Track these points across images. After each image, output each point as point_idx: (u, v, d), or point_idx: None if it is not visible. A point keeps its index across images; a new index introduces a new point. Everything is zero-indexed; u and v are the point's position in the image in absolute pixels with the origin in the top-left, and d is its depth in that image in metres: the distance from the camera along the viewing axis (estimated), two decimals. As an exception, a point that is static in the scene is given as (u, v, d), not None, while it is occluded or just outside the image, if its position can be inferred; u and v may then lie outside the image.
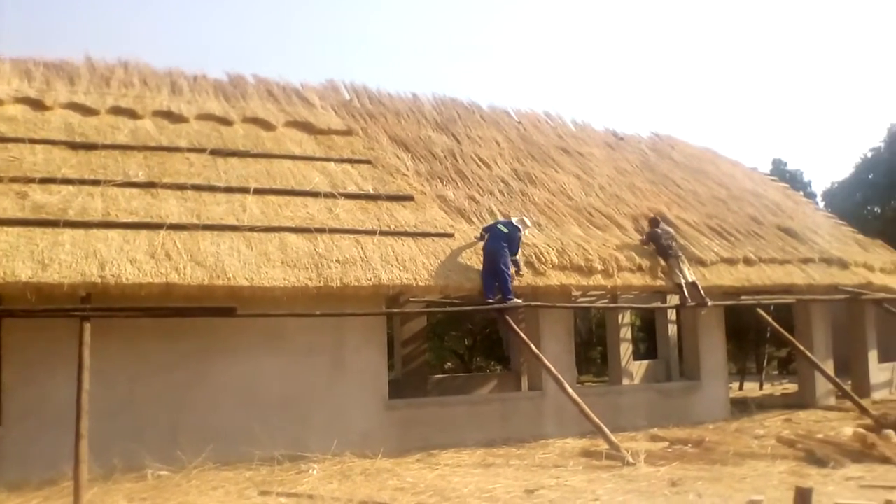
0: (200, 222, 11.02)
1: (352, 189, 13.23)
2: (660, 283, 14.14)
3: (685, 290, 13.99)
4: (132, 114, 13.74)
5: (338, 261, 11.16)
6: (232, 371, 10.77)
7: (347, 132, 15.33)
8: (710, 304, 14.25)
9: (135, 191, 11.44)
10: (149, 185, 11.65)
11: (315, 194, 12.69)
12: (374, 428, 11.32)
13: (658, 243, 14.27)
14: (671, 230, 14.88)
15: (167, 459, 9.35)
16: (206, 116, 14.38)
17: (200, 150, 13.11)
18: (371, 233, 12.01)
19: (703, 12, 73.18)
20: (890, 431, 11.40)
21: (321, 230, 11.65)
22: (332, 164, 13.90)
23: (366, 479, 9.17)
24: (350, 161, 14.24)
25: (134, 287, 9.72)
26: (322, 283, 10.78)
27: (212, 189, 12.03)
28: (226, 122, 14.43)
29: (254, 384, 10.85)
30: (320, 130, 15.09)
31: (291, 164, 13.59)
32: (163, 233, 10.54)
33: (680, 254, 14.27)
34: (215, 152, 13.17)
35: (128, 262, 9.88)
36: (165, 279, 9.89)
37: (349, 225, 12.10)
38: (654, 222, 14.85)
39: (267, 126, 14.72)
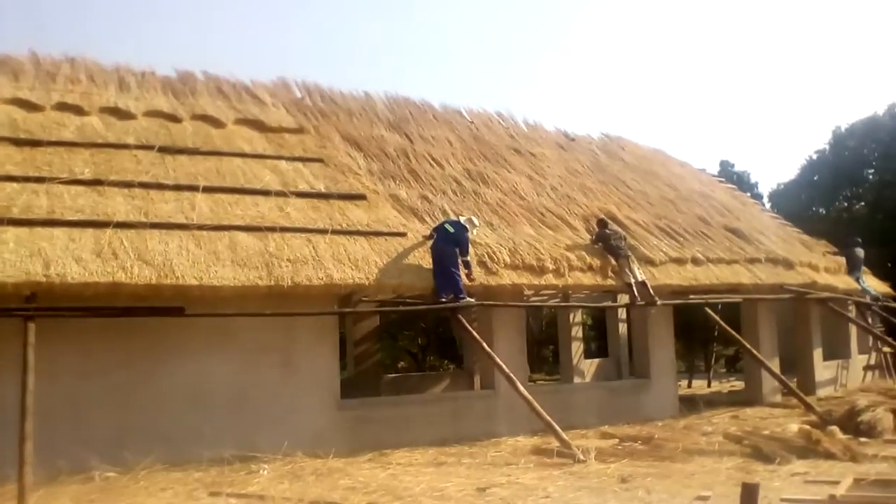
0: (148, 220, 10.82)
1: (303, 188, 13.11)
2: (610, 282, 14.30)
3: (635, 289, 14.17)
4: (78, 110, 13.45)
5: (289, 260, 11.05)
6: (181, 371, 10.58)
7: (299, 130, 15.20)
8: (659, 303, 14.44)
9: (81, 188, 11.19)
10: (95, 182, 11.40)
11: (266, 193, 12.54)
12: (325, 428, 11.23)
13: (607, 244, 14.43)
14: (620, 230, 15.05)
15: (114, 461, 9.16)
16: (154, 113, 14.13)
17: (148, 148, 12.86)
18: (323, 232, 11.92)
19: (652, 16, 74.20)
20: (834, 428, 11.63)
21: (272, 229, 11.54)
22: (283, 163, 13.77)
23: (317, 478, 9.10)
24: (302, 159, 14.13)
25: (80, 286, 9.52)
26: (273, 283, 10.67)
27: (160, 187, 11.82)
28: (174, 119, 14.19)
29: (203, 384, 10.67)
30: (271, 128, 14.94)
31: (242, 162, 13.42)
32: (109, 231, 10.33)
33: (630, 253, 14.44)
34: (164, 150, 12.94)
35: (73, 260, 9.66)
36: (112, 278, 9.68)
37: (300, 224, 11.98)
38: (602, 223, 15.02)
39: (217, 123, 14.52)
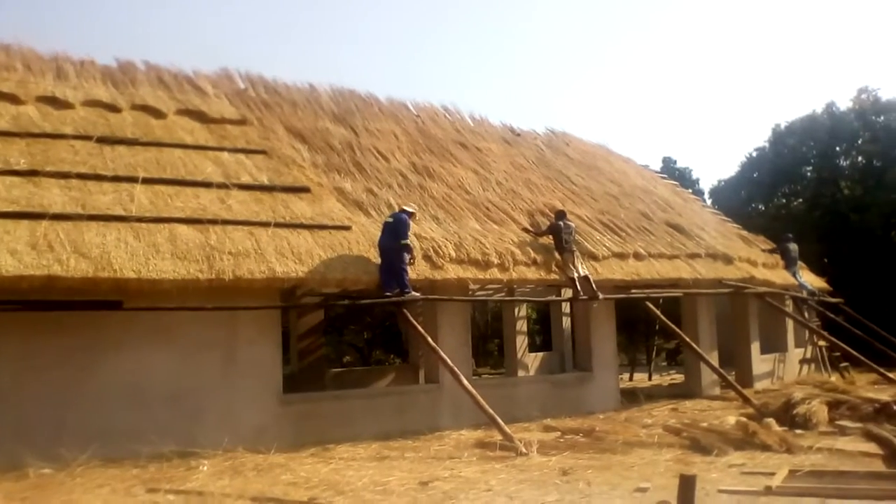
0: (85, 212, 10.61)
1: (246, 180, 12.97)
2: (554, 276, 14.43)
3: (578, 283, 14.31)
4: (14, 99, 13.12)
5: (230, 253, 10.93)
6: (119, 366, 10.38)
7: (242, 122, 15.03)
8: (601, 297, 14.60)
9: (16, 179, 10.93)
10: (31, 173, 11.14)
11: (207, 185, 12.39)
12: (267, 423, 11.13)
13: (557, 236, 14.52)
14: (573, 225, 15.14)
15: (51, 457, 8.96)
16: (92, 103, 13.86)
17: (86, 138, 12.62)
18: (265, 224, 11.81)
19: (597, 13, 74.93)
20: (770, 420, 11.86)
21: (213, 221, 11.40)
22: (225, 154, 13.60)
23: (258, 474, 9.02)
24: (244, 151, 13.98)
25: (14, 279, 9.29)
26: (214, 276, 10.55)
27: (98, 178, 11.60)
28: (114, 109, 13.93)
29: (142, 379, 10.49)
30: (213, 119, 14.75)
31: (182, 153, 13.22)
32: (45, 223, 10.10)
33: (574, 248, 14.57)
34: (102, 140, 12.70)
35: (7, 253, 9.43)
36: (48, 271, 9.47)
37: (243, 216, 11.86)
38: (559, 215, 15.12)
39: (157, 114, 14.29)
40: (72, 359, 10.13)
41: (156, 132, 13.66)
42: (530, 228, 15.20)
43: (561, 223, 14.74)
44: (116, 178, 11.74)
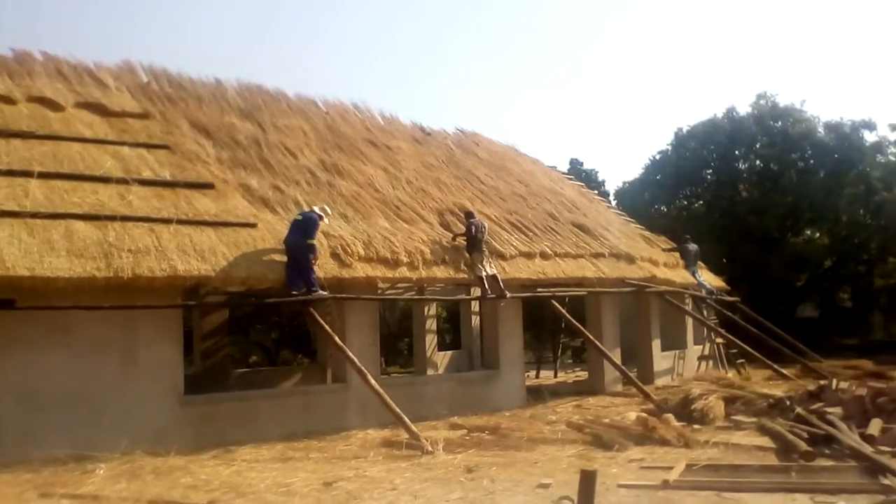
0: (-23, 208, 10.15)
1: (147, 175, 12.64)
2: (463, 275, 14.54)
3: (486, 282, 14.45)
4: None
5: (130, 250, 10.66)
6: (11, 367, 9.99)
7: (144, 116, 14.60)
8: (508, 296, 14.78)
9: None
10: (-81, 167, 10.61)
11: (106, 180, 12.01)
12: (168, 425, 10.86)
13: (470, 234, 14.60)
14: (485, 224, 15.23)
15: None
16: (-15, 95, 13.23)
17: (-22, 131, 12.05)
18: (167, 221, 11.54)
19: (506, 15, 75.75)
20: (669, 415, 12.24)
21: (112, 218, 11.09)
22: (126, 149, 13.20)
23: (156, 477, 8.80)
24: (146, 146, 13.60)
25: None
26: (112, 274, 10.28)
27: (-9, 172, 11.10)
28: (9, 100, 13.34)
29: (36, 380, 10.12)
30: (114, 113, 14.27)
31: (81, 147, 12.78)
32: (-67, 218, 9.64)
33: (484, 248, 14.68)
34: (-5, 133, 12.15)
35: None
36: (-65, 268, 9.04)
37: (143, 213, 11.56)
38: (469, 215, 15.21)
39: (55, 106, 13.73)
40: (-39, 359, 9.69)
41: (53, 125, 13.15)
42: (456, 234, 15.16)
43: (474, 222, 14.80)
44: (10, 173, 11.29)
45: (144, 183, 12.35)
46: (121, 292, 10.51)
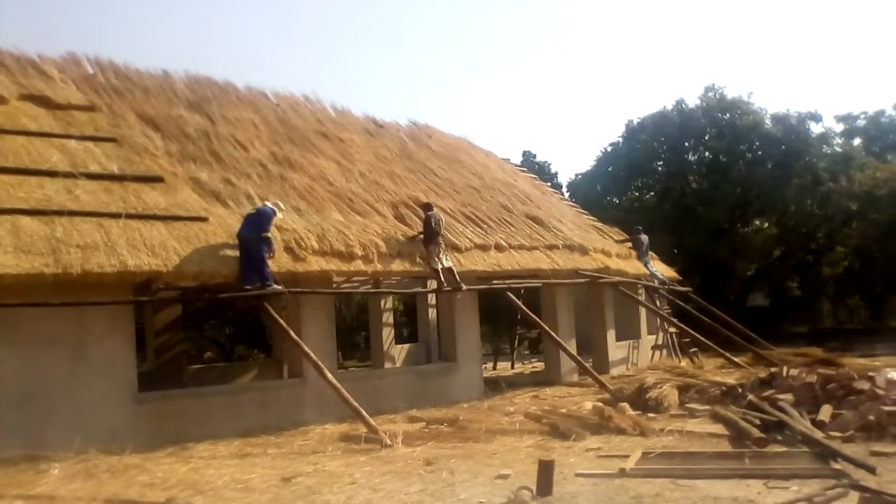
0: (-83, 204, 9.84)
1: (94, 169, 12.36)
2: (419, 268, 14.48)
3: (441, 275, 14.41)
4: None
5: (78, 246, 10.44)
6: (-44, 367, 9.72)
7: (90, 108, 14.26)
8: (464, 288, 14.77)
9: None
10: None
11: (52, 174, 11.73)
12: (122, 423, 10.69)
13: (429, 227, 14.55)
14: (442, 217, 15.18)
15: None
16: (-78, 87, 12.82)
17: (-85, 124, 11.68)
18: (116, 216, 11.31)
19: (456, 9, 75.76)
20: (625, 404, 12.36)
21: (59, 213, 10.84)
22: (72, 142, 12.88)
23: (112, 476, 8.65)
24: (93, 139, 13.29)
25: None
26: (60, 270, 10.07)
27: (-71, 167, 10.77)
28: (-52, 93, 12.94)
29: (-15, 380, 9.87)
30: (59, 105, 13.90)
31: (26, 140, 12.44)
32: None
33: (440, 240, 14.64)
34: (-66, 127, 11.79)
35: None
36: None
37: (91, 207, 11.32)
38: (426, 207, 15.15)
39: (-2, 99, 13.34)
40: None
41: (-5, 118, 12.77)
42: (417, 234, 15.06)
43: (432, 215, 14.75)
44: (-49, 167, 10.95)
45: (92, 177, 12.09)
46: (70, 289, 10.30)
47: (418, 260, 14.41)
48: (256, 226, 11.94)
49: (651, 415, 11.83)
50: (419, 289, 19.28)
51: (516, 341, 28.20)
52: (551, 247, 17.73)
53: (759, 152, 32.16)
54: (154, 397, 11.68)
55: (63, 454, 9.29)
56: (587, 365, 16.13)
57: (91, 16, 69.73)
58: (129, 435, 10.25)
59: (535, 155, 39.32)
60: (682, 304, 21.83)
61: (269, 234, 12.04)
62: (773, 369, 13.61)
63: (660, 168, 34.82)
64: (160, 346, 18.15)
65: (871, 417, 9.75)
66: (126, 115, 14.60)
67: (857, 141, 34.34)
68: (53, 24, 65.04)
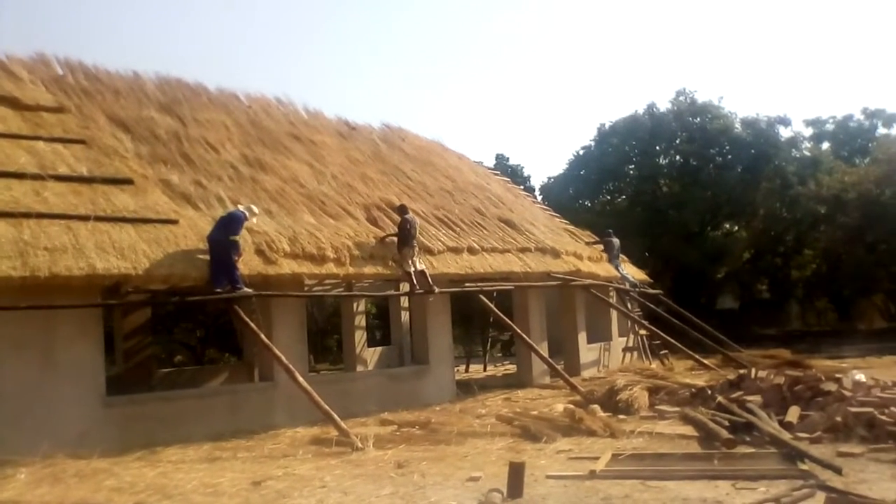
0: None
1: (63, 171, 12.22)
2: (391, 271, 14.48)
3: (414, 278, 14.41)
4: None
5: (46, 248, 10.34)
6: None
7: (59, 109, 14.09)
8: (437, 291, 14.79)
9: None
10: None
11: (20, 176, 11.60)
12: (90, 427, 10.57)
13: (404, 229, 14.54)
14: (417, 221, 15.18)
15: None
16: None
17: None
18: (85, 218, 11.21)
19: (430, 11, 75.82)
20: (596, 406, 12.42)
21: (27, 215, 10.73)
22: (40, 144, 12.73)
23: (80, 480, 8.55)
24: (62, 140, 13.14)
25: None
26: (28, 273, 9.97)
27: None
28: (-85, 94, 12.75)
29: (-50, 384, 9.73)
30: (28, 106, 13.71)
31: (-7, 141, 12.27)
32: None
33: (414, 243, 14.64)
34: None
35: None
36: None
37: (60, 209, 11.21)
38: (402, 209, 15.12)
39: (-36, 100, 13.17)
40: None
41: (-38, 119, 12.61)
42: (388, 234, 15.06)
43: (407, 218, 14.73)
44: (-84, 169, 10.80)
45: (60, 179, 11.96)
46: (38, 292, 10.19)
47: (391, 263, 14.42)
48: (227, 228, 11.88)
49: (621, 416, 11.89)
50: (392, 292, 19.29)
51: (489, 344, 28.25)
52: (523, 250, 17.81)
53: (730, 156, 32.53)
54: (123, 401, 11.57)
55: (30, 458, 9.14)
56: (558, 367, 16.20)
57: (61, 16, 68.98)
58: (98, 439, 10.15)
59: (507, 158, 39.57)
60: (652, 306, 21.97)
61: (238, 238, 11.98)
62: (741, 371, 13.73)
63: (631, 172, 35.07)
64: (129, 349, 17.92)
65: (838, 419, 9.88)
66: (96, 117, 14.44)
67: (825, 145, 34.86)
68: (23, 24, 64.25)
